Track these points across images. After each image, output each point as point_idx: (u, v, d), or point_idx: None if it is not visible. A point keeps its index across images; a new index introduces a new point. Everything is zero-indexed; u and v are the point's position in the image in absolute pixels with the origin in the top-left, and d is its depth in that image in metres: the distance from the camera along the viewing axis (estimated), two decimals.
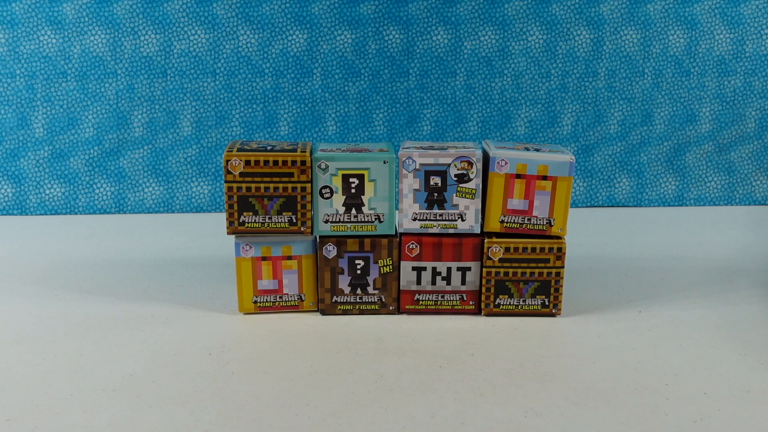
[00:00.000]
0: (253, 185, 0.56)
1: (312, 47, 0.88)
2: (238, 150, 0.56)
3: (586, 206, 0.93)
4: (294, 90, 0.90)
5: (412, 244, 0.58)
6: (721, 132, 0.92)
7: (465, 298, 0.59)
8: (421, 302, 0.59)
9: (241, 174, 0.56)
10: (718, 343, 0.55)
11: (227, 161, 0.56)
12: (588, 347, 0.54)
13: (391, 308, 0.60)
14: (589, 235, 0.81)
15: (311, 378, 0.49)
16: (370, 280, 0.59)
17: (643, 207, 0.93)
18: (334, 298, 0.59)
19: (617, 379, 0.49)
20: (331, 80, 0.90)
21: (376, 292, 0.59)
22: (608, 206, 0.93)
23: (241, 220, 0.57)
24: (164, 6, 0.86)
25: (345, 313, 0.59)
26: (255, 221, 0.57)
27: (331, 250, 0.58)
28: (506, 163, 0.57)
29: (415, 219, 0.58)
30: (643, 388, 0.48)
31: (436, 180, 0.57)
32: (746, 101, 0.91)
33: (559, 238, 0.58)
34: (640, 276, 0.69)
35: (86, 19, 0.86)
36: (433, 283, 0.59)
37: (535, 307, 0.59)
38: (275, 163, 0.56)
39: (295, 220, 0.57)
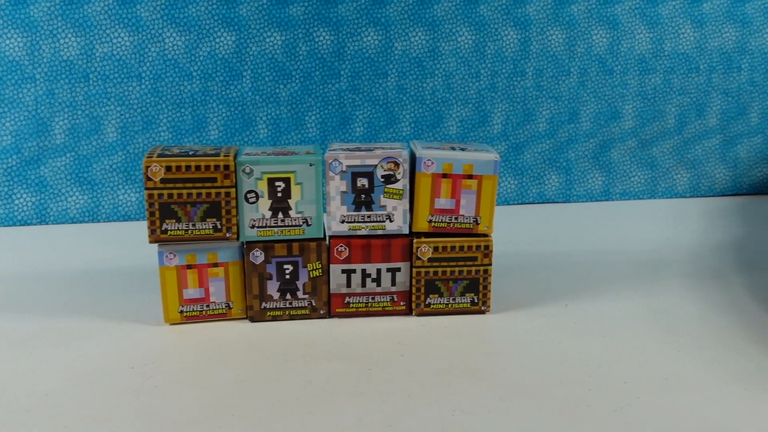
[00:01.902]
0: (174, 191, 0.55)
1: (241, 49, 0.87)
2: (159, 156, 0.55)
3: (518, 203, 0.94)
4: (223, 93, 0.88)
5: (341, 246, 0.58)
6: (643, 128, 0.95)
7: (396, 299, 0.59)
8: (351, 305, 0.59)
9: (162, 180, 0.54)
10: (640, 333, 0.56)
11: (147, 167, 0.54)
12: (516, 343, 0.55)
13: (321, 312, 0.59)
14: (520, 231, 0.83)
15: (238, 387, 0.48)
16: (299, 284, 0.58)
17: (572, 203, 0.95)
18: (263, 304, 0.58)
19: (543, 374, 0.50)
20: (261, 83, 0.88)
21: (306, 296, 0.58)
22: (538, 203, 0.95)
23: (163, 228, 0.55)
24: (84, 8, 0.84)
25: (275, 319, 0.59)
26: (178, 229, 0.55)
27: (258, 256, 0.57)
28: (432, 162, 0.57)
29: (343, 221, 0.57)
30: (567, 381, 0.48)
31: (363, 181, 0.57)
32: (666, 98, 0.94)
33: (486, 236, 0.59)
34: (567, 271, 0.70)
35: (0, 21, 0.82)
36: (363, 285, 0.59)
37: (465, 305, 0.60)
38: (197, 168, 0.55)
39: (220, 227, 0.56)
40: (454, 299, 0.59)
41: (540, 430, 0.43)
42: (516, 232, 0.82)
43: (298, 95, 0.89)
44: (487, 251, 0.58)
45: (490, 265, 0.59)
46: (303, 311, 0.59)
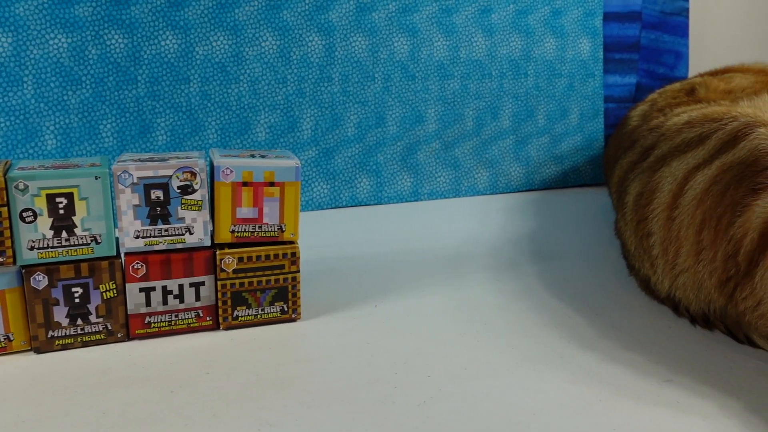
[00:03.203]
0: None
1: (19, 52, 0.79)
2: None
3: (331, 208, 0.95)
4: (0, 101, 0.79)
5: (137, 263, 0.54)
6: (445, 131, 1.00)
7: (201, 315, 0.57)
8: (153, 325, 0.56)
9: None
10: (443, 326, 0.59)
11: None
12: (326, 348, 0.55)
13: (119, 336, 0.55)
14: (333, 236, 0.83)
15: (17, 430, 0.43)
16: (91, 308, 0.53)
17: (383, 204, 0.97)
18: (50, 333, 0.53)
19: (351, 376, 0.50)
20: (45, 89, 0.81)
21: (101, 320, 0.54)
22: (351, 206, 0.96)
23: None
24: None
25: (65, 348, 0.53)
26: None
27: (41, 280, 0.52)
28: (231, 171, 0.55)
29: (137, 237, 0.54)
30: (374, 381, 0.49)
31: (157, 193, 0.54)
32: (464, 102, 1.00)
33: (292, 243, 0.58)
34: (378, 271, 0.72)
35: None
36: (165, 302, 0.56)
37: (275, 314, 0.59)
38: None
39: None
40: (263, 310, 0.58)
41: None
42: (329, 236, 0.83)
43: (89, 102, 0.83)
44: (294, 258, 0.58)
45: (298, 272, 0.58)
46: (98, 336, 0.54)
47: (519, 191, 1.05)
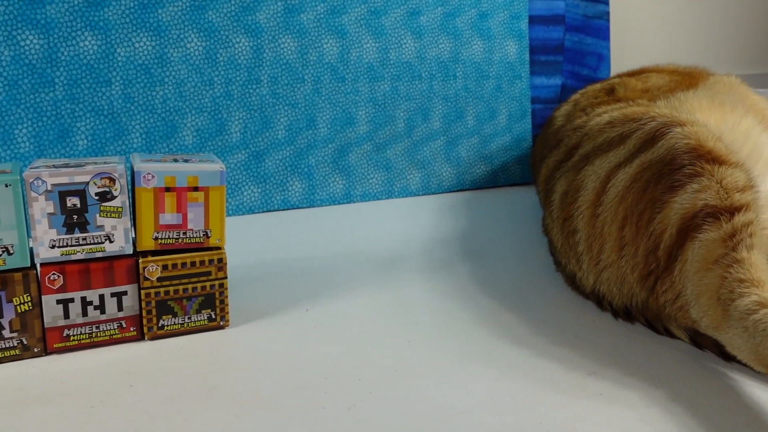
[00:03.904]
0: None
1: None
2: None
3: (262, 211, 0.94)
4: None
5: (54, 274, 0.52)
6: (377, 132, 1.00)
7: (124, 325, 0.55)
8: (72, 338, 0.53)
9: None
10: (375, 328, 0.58)
11: None
12: (255, 355, 0.54)
13: (36, 350, 0.52)
14: (264, 240, 0.82)
15: None
16: (4, 322, 0.51)
17: (316, 207, 0.97)
18: None
19: (280, 383, 0.49)
20: None
21: (15, 335, 0.51)
22: (283, 209, 0.95)
23: None
24: None
25: None
26: None
27: None
28: (153, 176, 0.53)
29: (53, 246, 0.51)
30: (304, 387, 0.49)
31: (74, 201, 0.52)
32: (394, 104, 1.01)
33: (218, 248, 0.57)
34: (310, 275, 0.71)
35: None
36: (85, 314, 0.53)
37: (202, 322, 0.57)
38: None
39: None
40: (189, 318, 0.56)
41: None
42: (260, 240, 0.81)
43: (2, 106, 0.79)
44: (221, 264, 0.57)
45: (226, 278, 0.57)
46: (12, 352, 0.51)
47: (451, 191, 1.06)
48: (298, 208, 0.96)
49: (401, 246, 0.82)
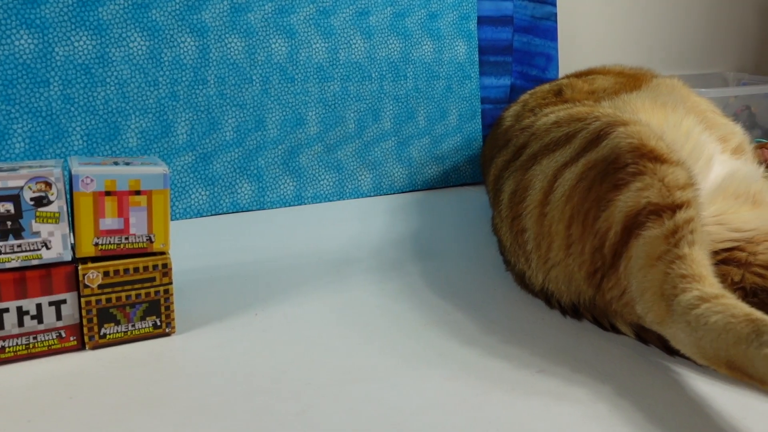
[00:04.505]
0: None
1: None
2: None
3: (211, 215, 0.92)
4: None
5: None
6: (327, 133, 0.99)
7: (64, 335, 0.53)
8: (7, 350, 0.51)
9: None
10: (325, 331, 0.58)
11: None
12: (202, 362, 0.52)
13: None
14: (213, 243, 0.80)
15: None
16: None
17: (266, 209, 0.95)
18: None
19: (228, 389, 0.48)
20: None
21: None
22: (232, 212, 0.93)
23: None
24: None
25: None
26: None
27: None
28: (92, 180, 0.52)
29: None
30: (253, 392, 0.48)
31: (7, 206, 0.49)
32: (345, 104, 1.00)
33: (163, 253, 0.55)
34: (260, 279, 0.70)
35: None
36: (21, 324, 0.51)
37: (147, 329, 0.55)
38: None
39: None
40: (133, 325, 0.55)
41: None
42: (209, 244, 0.80)
43: None
44: (166, 269, 0.55)
45: (171, 283, 0.55)
46: None
47: (402, 192, 1.06)
48: (248, 210, 0.94)
49: (352, 248, 0.81)
